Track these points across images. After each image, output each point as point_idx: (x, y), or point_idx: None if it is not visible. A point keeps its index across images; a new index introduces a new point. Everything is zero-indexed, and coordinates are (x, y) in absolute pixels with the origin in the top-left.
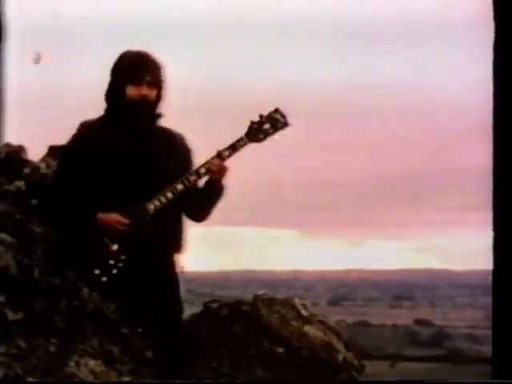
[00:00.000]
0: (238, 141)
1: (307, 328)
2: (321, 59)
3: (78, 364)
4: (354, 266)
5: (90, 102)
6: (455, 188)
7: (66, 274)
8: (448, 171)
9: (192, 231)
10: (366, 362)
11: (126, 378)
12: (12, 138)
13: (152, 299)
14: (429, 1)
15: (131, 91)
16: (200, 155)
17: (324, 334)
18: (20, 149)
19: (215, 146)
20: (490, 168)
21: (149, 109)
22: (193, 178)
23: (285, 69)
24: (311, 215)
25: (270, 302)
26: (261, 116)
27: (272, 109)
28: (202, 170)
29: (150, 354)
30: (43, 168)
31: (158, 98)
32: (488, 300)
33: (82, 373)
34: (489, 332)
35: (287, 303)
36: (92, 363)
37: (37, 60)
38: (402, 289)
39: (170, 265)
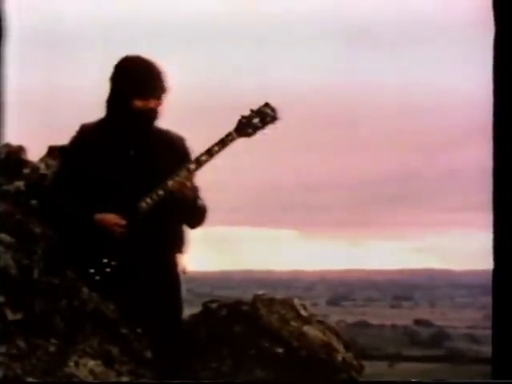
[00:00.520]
0: (227, 136)
1: (307, 328)
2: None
3: (77, 364)
4: (353, 266)
5: (89, 102)
6: (455, 188)
7: (65, 274)
8: (448, 171)
9: (192, 231)
10: (365, 362)
11: (125, 378)
12: (12, 138)
13: (152, 299)
14: (429, 1)
15: (138, 104)
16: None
17: (323, 334)
18: (20, 149)
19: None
20: (490, 168)
21: (153, 117)
22: (183, 173)
23: (284, 69)
24: (311, 215)
25: (270, 302)
26: (251, 110)
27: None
28: (192, 166)
29: (149, 354)
30: (43, 168)
31: (161, 104)
32: (488, 300)
33: (82, 373)
34: (489, 332)
35: (287, 303)
36: (91, 363)
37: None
38: (401, 289)
39: (171, 265)
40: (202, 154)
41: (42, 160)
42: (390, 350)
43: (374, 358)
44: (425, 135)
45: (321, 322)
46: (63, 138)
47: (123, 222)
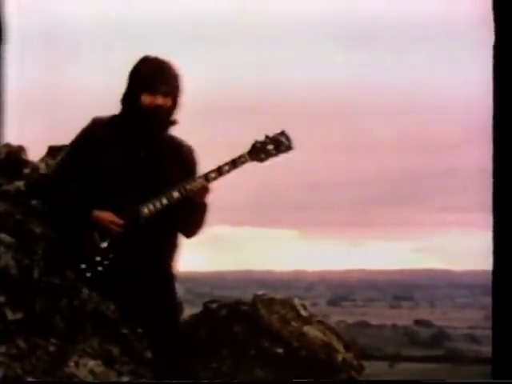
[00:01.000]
0: (240, 157)
1: (307, 328)
2: (321, 59)
3: (77, 364)
4: (353, 266)
5: (89, 102)
6: (455, 188)
7: (65, 274)
8: (448, 171)
9: None
10: (365, 363)
11: (125, 378)
12: (12, 138)
13: (148, 300)
14: (430, 1)
15: (145, 99)
16: (200, 155)
17: (323, 335)
18: (20, 149)
19: (215, 146)
20: (490, 168)
21: (162, 117)
22: (189, 187)
23: (284, 70)
24: (311, 215)
25: (270, 302)
26: (266, 136)
27: (278, 131)
28: (200, 181)
29: (149, 354)
30: (43, 168)
31: (173, 106)
32: (488, 300)
33: (82, 373)
34: (489, 332)
35: (287, 303)
36: (91, 363)
37: None
38: (401, 289)
39: (166, 268)
40: (212, 171)
41: (42, 160)
42: (390, 350)
43: (374, 358)
44: (425, 135)
45: (321, 323)
46: (63, 138)
47: (120, 222)
